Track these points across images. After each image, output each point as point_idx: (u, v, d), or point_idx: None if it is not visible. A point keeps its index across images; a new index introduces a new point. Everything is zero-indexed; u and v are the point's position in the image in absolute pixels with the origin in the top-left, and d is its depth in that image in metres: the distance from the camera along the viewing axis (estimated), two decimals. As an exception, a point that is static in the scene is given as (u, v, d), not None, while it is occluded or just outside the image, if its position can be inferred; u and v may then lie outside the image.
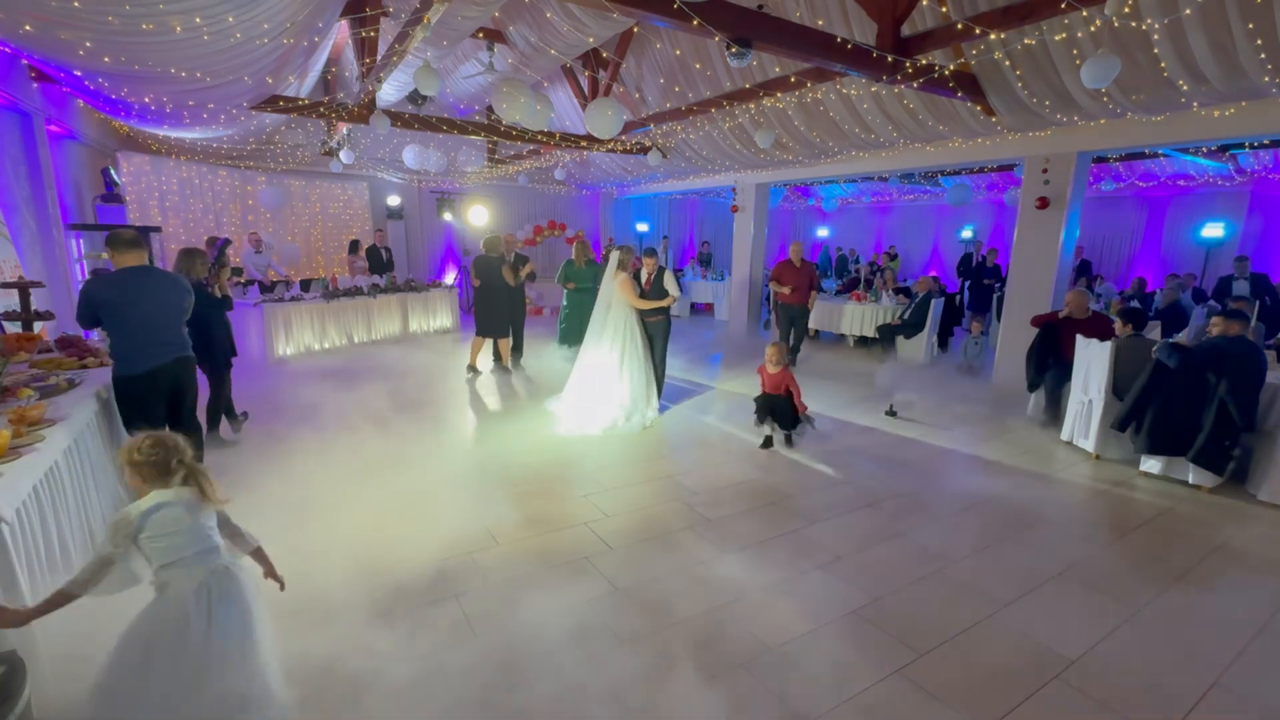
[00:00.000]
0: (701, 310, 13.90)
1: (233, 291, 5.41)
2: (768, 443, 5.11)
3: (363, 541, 3.39)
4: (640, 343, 5.68)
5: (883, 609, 2.90)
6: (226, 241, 5.84)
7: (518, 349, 7.73)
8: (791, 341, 8.26)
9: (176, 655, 1.78)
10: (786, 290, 8.02)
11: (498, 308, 7.22)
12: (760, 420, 5.19)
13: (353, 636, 2.61)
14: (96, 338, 5.30)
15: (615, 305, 5.68)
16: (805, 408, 5.11)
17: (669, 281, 5.78)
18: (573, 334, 8.40)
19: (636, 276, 5.88)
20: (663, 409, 5.99)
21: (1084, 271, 11.06)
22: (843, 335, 10.06)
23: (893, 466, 4.77)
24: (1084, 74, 4.18)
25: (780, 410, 5.07)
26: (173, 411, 3.81)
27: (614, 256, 5.71)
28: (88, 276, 3.53)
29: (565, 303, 8.31)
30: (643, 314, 5.79)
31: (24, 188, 5.27)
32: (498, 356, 7.56)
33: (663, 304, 5.75)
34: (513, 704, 2.26)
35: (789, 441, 5.14)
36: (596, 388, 5.58)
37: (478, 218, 12.73)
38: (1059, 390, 5.72)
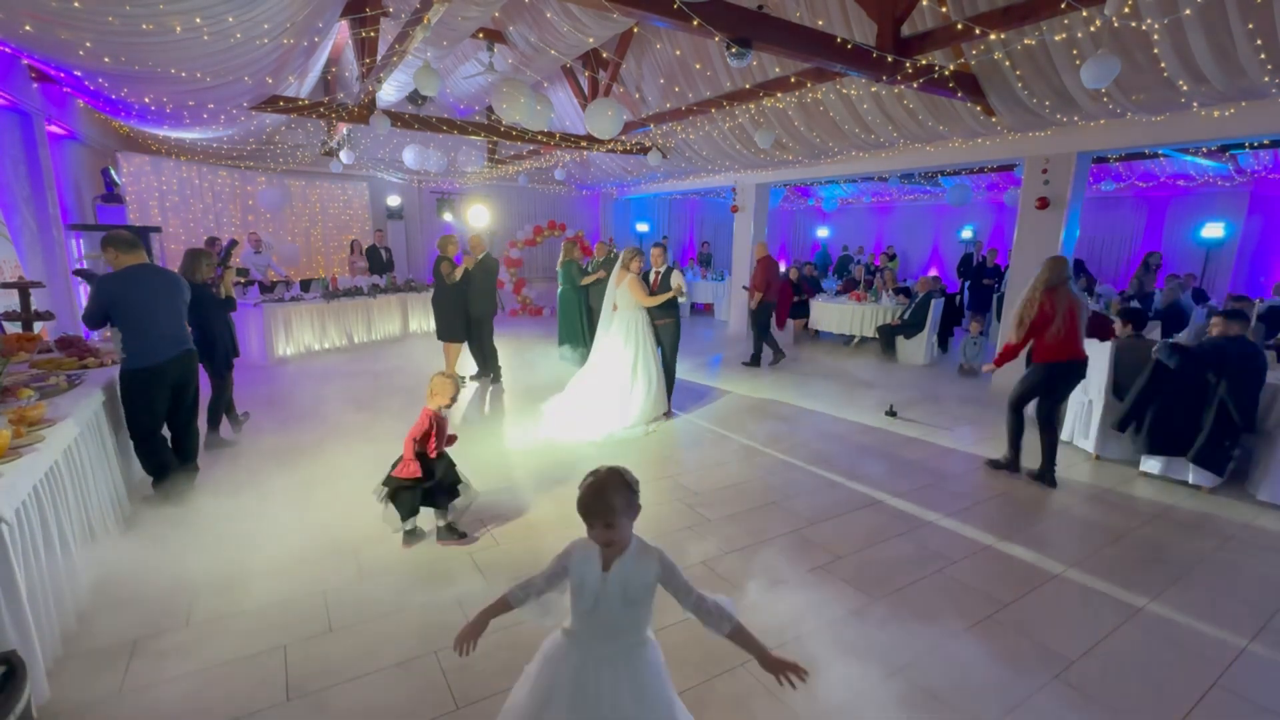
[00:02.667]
0: (701, 310, 13.91)
1: (234, 292, 5.41)
2: (413, 534, 3.36)
3: (362, 541, 3.40)
4: (649, 345, 5.55)
5: (883, 609, 2.90)
6: (233, 243, 5.84)
7: (492, 361, 7.00)
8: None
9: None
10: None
11: (442, 310, 6.75)
12: (399, 507, 3.25)
13: (354, 637, 2.61)
14: (97, 338, 5.31)
15: (622, 307, 5.56)
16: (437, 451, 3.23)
17: (675, 279, 5.69)
18: (561, 332, 8.42)
19: (646, 277, 5.77)
20: (672, 414, 5.94)
21: (1079, 270, 10.99)
22: (851, 336, 10.04)
23: (893, 466, 4.77)
24: (1084, 74, 4.18)
25: (437, 476, 3.27)
26: (175, 405, 3.86)
27: (621, 257, 5.61)
28: (99, 276, 3.61)
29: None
30: (653, 317, 5.68)
31: (24, 188, 5.27)
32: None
33: (668, 296, 5.56)
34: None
35: (447, 532, 3.39)
36: (598, 392, 5.45)
37: (478, 218, 12.72)
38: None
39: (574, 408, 5.53)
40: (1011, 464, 4.55)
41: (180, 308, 3.85)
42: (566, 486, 4.23)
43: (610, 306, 5.64)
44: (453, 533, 3.43)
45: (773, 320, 8.46)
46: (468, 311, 6.77)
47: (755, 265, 8.34)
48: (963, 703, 2.31)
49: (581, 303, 8.16)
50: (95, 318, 3.60)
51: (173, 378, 3.75)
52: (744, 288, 8.34)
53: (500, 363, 7.07)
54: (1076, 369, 4.11)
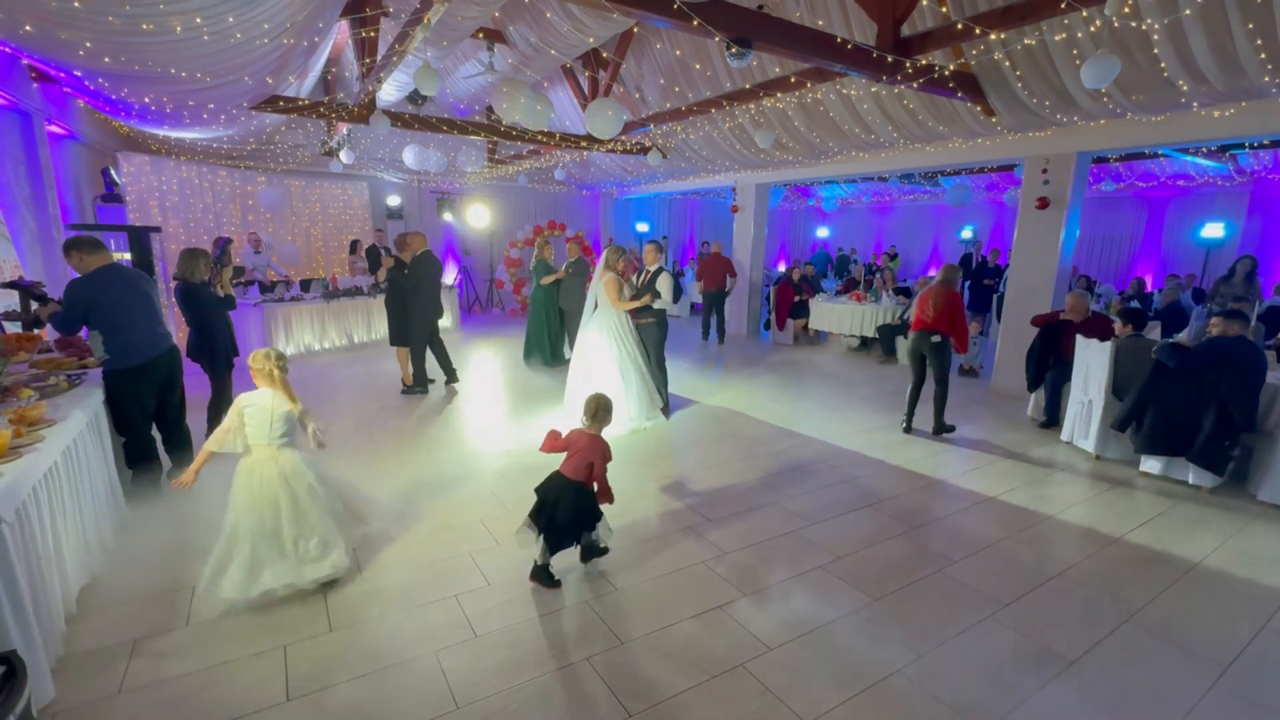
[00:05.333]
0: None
1: (234, 291, 5.41)
2: (548, 577, 2.98)
3: (362, 541, 3.39)
4: (630, 346, 5.46)
5: (883, 609, 2.90)
6: (228, 240, 5.83)
7: (444, 367, 6.66)
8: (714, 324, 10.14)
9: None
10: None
11: (388, 312, 6.49)
12: (536, 527, 2.93)
13: (354, 637, 2.61)
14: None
15: (602, 306, 5.50)
16: (610, 498, 3.07)
17: (661, 283, 5.53)
18: (529, 336, 8.07)
19: (640, 275, 5.71)
20: (668, 414, 5.93)
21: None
22: (864, 337, 9.93)
23: (892, 466, 4.77)
24: (1084, 74, 4.18)
25: (575, 507, 2.92)
26: (162, 403, 3.85)
27: (604, 255, 5.50)
28: (70, 281, 3.56)
29: None
30: (635, 317, 5.60)
31: (24, 188, 5.26)
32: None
33: (639, 304, 5.44)
34: (514, 705, 2.26)
35: (589, 556, 3.17)
36: (590, 390, 5.44)
37: (478, 218, 12.73)
38: (1059, 390, 5.73)
39: (571, 409, 5.52)
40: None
41: (155, 305, 3.82)
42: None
43: (591, 304, 5.58)
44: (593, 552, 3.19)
45: (723, 310, 10.38)
46: (411, 315, 6.34)
47: (712, 258, 10.22)
48: (963, 703, 2.31)
49: (551, 303, 7.93)
50: (71, 324, 3.53)
51: (158, 376, 3.74)
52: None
53: (426, 375, 6.60)
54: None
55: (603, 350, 5.44)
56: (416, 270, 6.25)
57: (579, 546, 3.11)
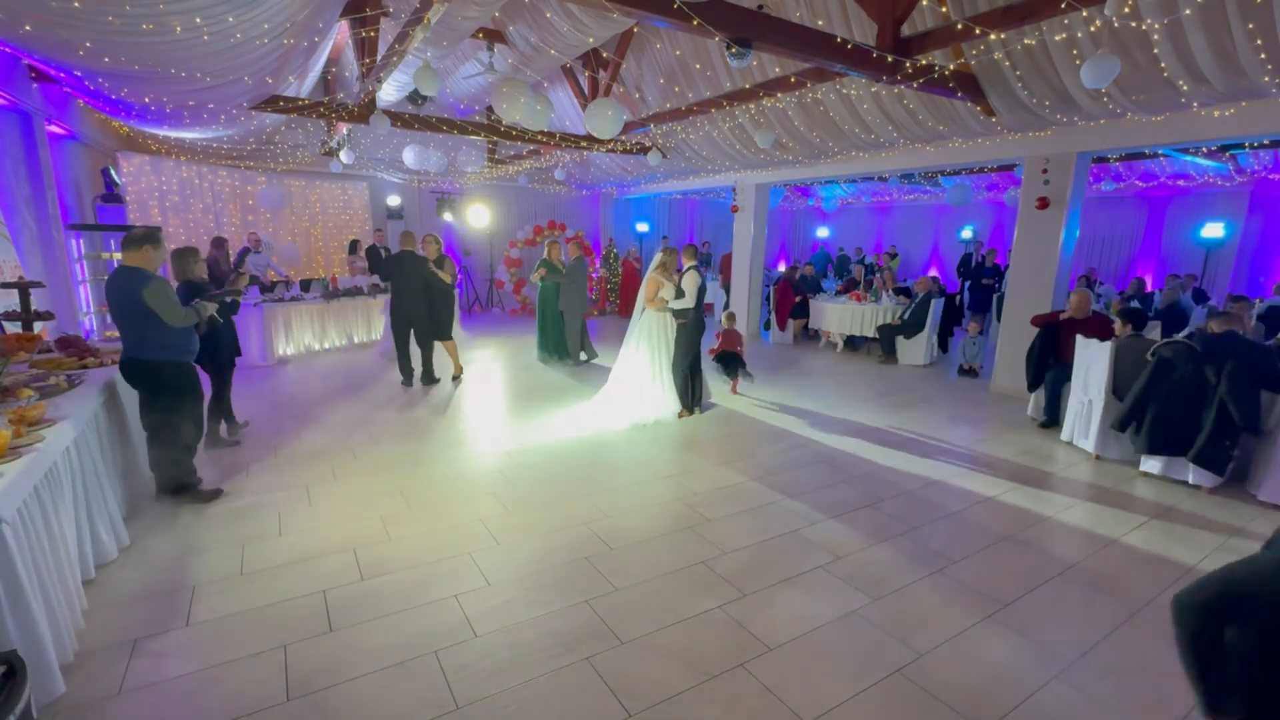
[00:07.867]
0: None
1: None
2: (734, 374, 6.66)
3: (362, 541, 3.40)
4: (661, 347, 5.76)
5: (883, 609, 2.90)
6: (247, 249, 5.84)
7: (422, 363, 7.05)
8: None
9: None
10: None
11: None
12: (728, 372, 6.74)
13: (354, 637, 2.61)
14: (98, 338, 5.31)
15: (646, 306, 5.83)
16: (740, 343, 6.80)
17: (686, 281, 5.70)
18: (540, 338, 8.29)
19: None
20: (690, 413, 5.97)
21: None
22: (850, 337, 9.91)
23: (893, 466, 4.77)
24: (1084, 74, 4.18)
25: (735, 360, 6.68)
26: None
27: (656, 257, 5.76)
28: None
29: None
30: (674, 316, 5.79)
31: (24, 188, 5.27)
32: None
33: (659, 304, 5.66)
34: (514, 705, 2.27)
35: (747, 376, 6.71)
36: (627, 387, 5.77)
37: (478, 218, 12.73)
38: (1059, 390, 5.73)
39: (610, 400, 5.86)
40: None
41: (127, 313, 3.53)
42: (563, 486, 4.24)
43: (640, 307, 5.89)
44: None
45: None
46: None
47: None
48: (963, 703, 2.31)
49: (550, 303, 8.01)
50: None
51: (127, 378, 3.70)
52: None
53: (406, 368, 6.97)
54: None
55: (636, 345, 5.80)
56: (401, 267, 6.70)
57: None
